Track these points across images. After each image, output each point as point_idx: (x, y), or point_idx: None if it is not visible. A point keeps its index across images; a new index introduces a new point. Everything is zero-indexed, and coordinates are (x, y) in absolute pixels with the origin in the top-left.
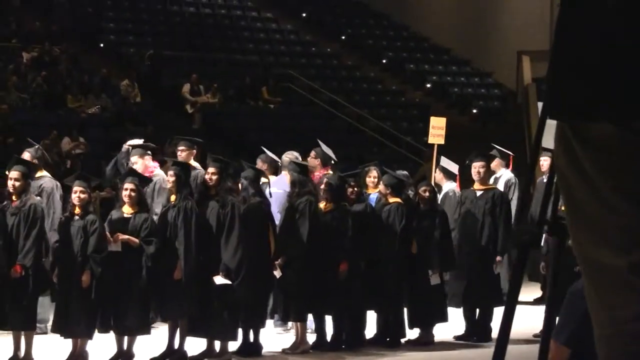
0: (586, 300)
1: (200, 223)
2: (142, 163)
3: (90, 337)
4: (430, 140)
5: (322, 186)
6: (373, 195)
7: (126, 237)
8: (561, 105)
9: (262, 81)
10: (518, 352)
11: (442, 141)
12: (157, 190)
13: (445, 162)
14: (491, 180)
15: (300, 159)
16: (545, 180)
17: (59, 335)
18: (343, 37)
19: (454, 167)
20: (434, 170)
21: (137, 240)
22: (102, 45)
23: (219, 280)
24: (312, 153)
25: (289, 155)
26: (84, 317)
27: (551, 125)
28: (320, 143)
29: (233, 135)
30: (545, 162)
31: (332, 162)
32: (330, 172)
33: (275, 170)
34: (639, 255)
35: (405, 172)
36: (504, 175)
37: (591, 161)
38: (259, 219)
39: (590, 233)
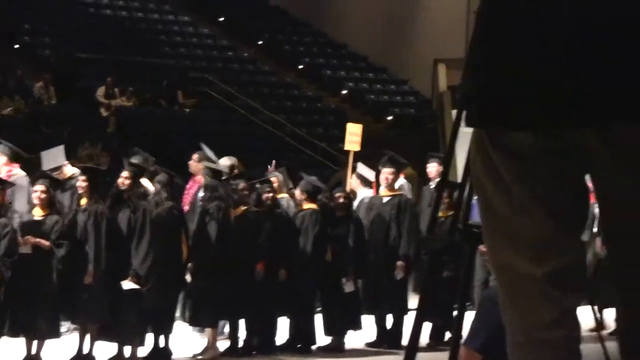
0: (500, 307)
1: (111, 228)
2: None
3: None
4: (347, 146)
5: (240, 190)
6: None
7: (37, 239)
8: (479, 113)
9: (178, 85)
10: (429, 359)
11: (358, 148)
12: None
13: (362, 168)
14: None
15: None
16: (432, 187)
17: None
18: (260, 42)
19: (370, 174)
20: (349, 176)
21: (47, 243)
22: (17, 46)
23: (127, 285)
24: (195, 156)
25: (228, 161)
26: None
27: (467, 133)
28: (204, 146)
29: (148, 139)
30: (433, 169)
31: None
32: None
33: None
34: (554, 264)
35: (313, 178)
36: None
37: (508, 169)
38: (170, 224)
39: (506, 241)
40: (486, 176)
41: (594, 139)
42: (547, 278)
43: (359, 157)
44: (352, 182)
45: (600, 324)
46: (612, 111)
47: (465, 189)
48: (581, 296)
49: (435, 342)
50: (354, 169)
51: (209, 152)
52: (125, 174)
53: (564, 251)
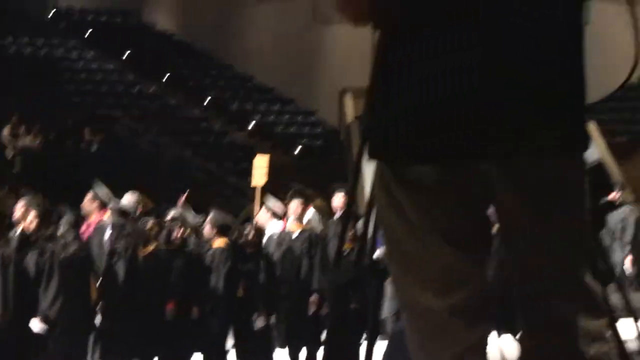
0: (407, 342)
1: (18, 271)
2: None
3: None
4: (254, 182)
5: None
6: None
7: None
8: (380, 147)
9: (84, 122)
10: None
11: (264, 180)
12: None
13: (271, 201)
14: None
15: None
16: (334, 219)
17: None
18: (166, 77)
19: (279, 207)
20: (256, 211)
21: None
22: None
23: (36, 326)
24: (88, 196)
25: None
26: None
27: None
28: (97, 184)
29: (55, 178)
30: (339, 201)
31: (111, 203)
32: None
33: None
34: (457, 296)
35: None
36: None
37: (410, 202)
38: (79, 265)
39: (411, 275)
40: (389, 209)
41: (496, 170)
42: (450, 310)
43: (268, 190)
44: (259, 217)
45: None
46: (513, 144)
47: (369, 221)
48: (488, 327)
49: None
50: (261, 204)
51: (103, 190)
52: (31, 214)
53: (468, 282)
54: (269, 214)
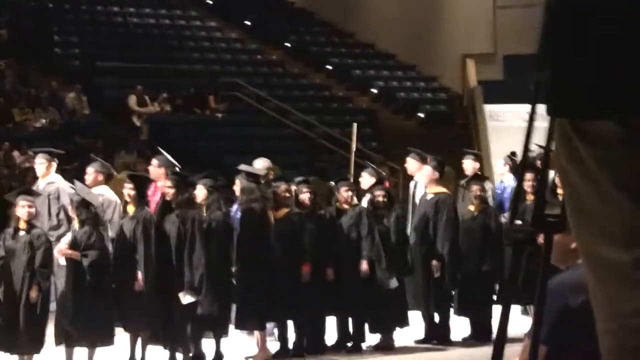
0: (589, 294)
1: (159, 235)
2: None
3: (38, 351)
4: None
5: (280, 193)
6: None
7: (68, 251)
8: (562, 103)
9: (208, 90)
10: (473, 355)
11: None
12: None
13: (370, 170)
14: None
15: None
16: (463, 183)
17: (3, 352)
18: (288, 45)
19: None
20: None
21: (77, 254)
22: (47, 58)
23: (186, 299)
24: (155, 162)
25: (262, 163)
26: (31, 333)
27: (501, 128)
28: (161, 151)
29: (182, 145)
30: (469, 165)
31: (177, 169)
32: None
33: None
34: None
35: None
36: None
37: (592, 157)
38: (220, 231)
39: (593, 229)
40: (571, 166)
41: None
42: (634, 263)
43: (391, 155)
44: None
45: None
46: None
47: (546, 178)
48: None
49: (475, 338)
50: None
51: (169, 157)
52: (167, 183)
53: None
54: (372, 179)
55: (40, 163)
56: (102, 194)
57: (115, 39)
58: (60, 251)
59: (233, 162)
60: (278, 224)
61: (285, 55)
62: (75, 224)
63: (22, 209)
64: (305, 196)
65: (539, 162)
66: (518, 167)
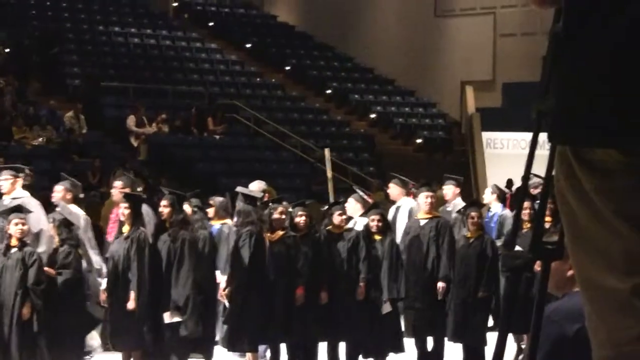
0: (586, 321)
1: (153, 255)
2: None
3: None
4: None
5: (276, 215)
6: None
7: (47, 269)
8: (564, 130)
9: (207, 112)
10: None
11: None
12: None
13: (359, 193)
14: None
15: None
16: (448, 209)
17: None
18: (287, 68)
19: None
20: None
21: (53, 272)
22: (46, 76)
23: (169, 318)
24: (118, 184)
25: (258, 185)
26: (23, 350)
27: (498, 155)
28: (125, 173)
29: (179, 166)
30: (449, 191)
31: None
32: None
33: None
34: None
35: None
36: (404, 204)
37: (593, 185)
38: (206, 251)
39: (593, 257)
40: (571, 194)
41: None
42: (633, 291)
43: (388, 180)
44: (348, 208)
45: None
46: None
47: (545, 206)
48: None
49: None
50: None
51: (131, 177)
52: (164, 202)
53: None
54: (358, 205)
55: (5, 179)
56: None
57: (116, 59)
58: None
59: (230, 184)
60: (273, 246)
61: (285, 79)
62: (55, 242)
63: (14, 226)
64: (300, 219)
65: (532, 190)
66: (511, 194)
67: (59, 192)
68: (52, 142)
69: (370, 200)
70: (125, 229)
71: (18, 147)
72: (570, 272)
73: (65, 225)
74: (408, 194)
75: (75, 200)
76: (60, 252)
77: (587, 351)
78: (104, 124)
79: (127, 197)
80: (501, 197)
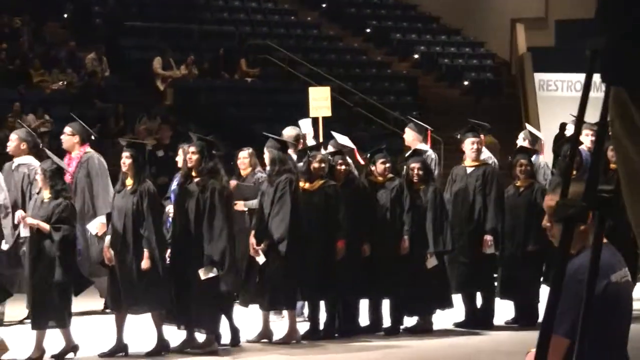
0: None
1: (178, 207)
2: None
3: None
4: (313, 113)
5: (315, 164)
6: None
7: (36, 221)
8: (619, 70)
9: (238, 53)
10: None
11: (328, 113)
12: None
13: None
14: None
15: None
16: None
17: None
18: (323, 5)
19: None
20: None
21: (47, 227)
22: (66, 15)
23: (204, 274)
24: (68, 129)
25: (293, 131)
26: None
27: (551, 98)
28: (75, 117)
29: (208, 112)
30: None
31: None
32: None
33: None
34: None
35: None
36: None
37: None
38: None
39: None
40: (625, 135)
41: None
42: None
43: (433, 125)
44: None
45: None
46: None
47: (601, 153)
48: None
49: (519, 322)
50: (326, 137)
51: (83, 124)
52: (192, 148)
53: None
54: (414, 133)
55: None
56: (29, 164)
57: None
58: (26, 221)
59: (263, 131)
60: (312, 196)
61: (320, 17)
62: (45, 194)
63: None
64: (340, 168)
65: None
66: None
67: (13, 141)
68: (73, 86)
69: (429, 129)
70: (129, 181)
71: (36, 93)
72: (582, 227)
73: (60, 176)
74: (425, 140)
75: (31, 151)
76: (55, 205)
77: (616, 306)
78: (128, 66)
79: (129, 146)
80: (533, 142)
